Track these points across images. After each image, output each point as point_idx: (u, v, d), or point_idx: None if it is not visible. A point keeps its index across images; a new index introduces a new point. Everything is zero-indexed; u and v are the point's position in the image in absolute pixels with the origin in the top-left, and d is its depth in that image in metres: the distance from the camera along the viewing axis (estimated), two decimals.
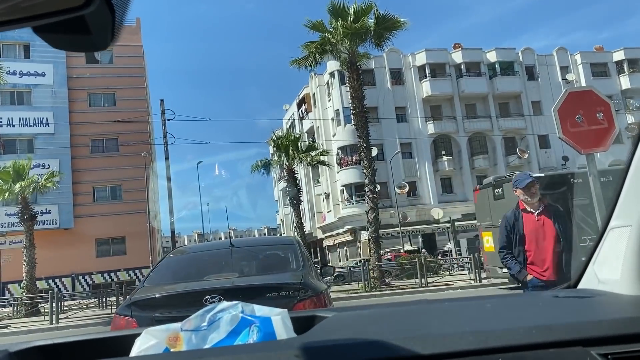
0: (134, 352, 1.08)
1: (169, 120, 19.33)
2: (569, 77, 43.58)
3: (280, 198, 55.85)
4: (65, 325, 13.77)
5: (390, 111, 39.60)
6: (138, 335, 1.12)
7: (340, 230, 40.47)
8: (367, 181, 17.12)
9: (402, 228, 34.48)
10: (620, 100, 43.76)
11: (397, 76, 41.10)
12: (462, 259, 23.84)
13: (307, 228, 47.37)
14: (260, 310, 1.14)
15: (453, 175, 40.86)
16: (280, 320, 1.10)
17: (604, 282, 1.33)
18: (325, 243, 44.74)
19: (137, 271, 34.62)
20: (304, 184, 46.37)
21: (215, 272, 4.41)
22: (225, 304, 1.16)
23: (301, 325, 1.16)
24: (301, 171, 44.97)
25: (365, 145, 17.13)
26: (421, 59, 41.02)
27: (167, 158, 21.21)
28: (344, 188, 39.73)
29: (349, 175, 38.99)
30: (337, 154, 39.77)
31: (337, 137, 39.78)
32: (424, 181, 40.00)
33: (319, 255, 47.24)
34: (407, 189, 38.12)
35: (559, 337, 0.93)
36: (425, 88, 40.89)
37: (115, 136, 35.71)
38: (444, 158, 40.43)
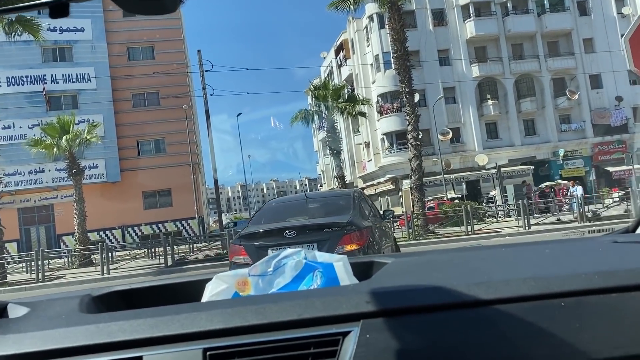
0: (205, 297, 1.13)
1: (206, 71, 19.13)
2: (625, 10, 40.61)
3: (320, 148, 55.64)
4: (116, 276, 14.22)
5: (432, 54, 38.12)
6: (209, 280, 1.17)
7: (382, 179, 40.14)
8: (409, 128, 16.55)
9: (445, 175, 33.85)
10: None
11: (440, 17, 39.29)
12: (509, 206, 23.22)
13: (348, 178, 47.38)
14: (322, 256, 1.17)
15: (498, 120, 39.47)
16: (342, 266, 1.13)
17: None
18: (367, 192, 44.59)
19: (183, 222, 35.52)
20: (343, 134, 45.91)
21: (293, 216, 6.35)
22: (289, 251, 1.19)
23: (361, 270, 1.21)
24: (340, 120, 44.47)
25: (407, 90, 16.46)
26: None
27: (207, 110, 21.15)
28: (385, 136, 39.07)
29: (390, 123, 38.22)
30: (377, 102, 38.90)
31: (376, 83, 38.77)
32: (468, 127, 38.82)
33: None
34: (450, 135, 37.16)
35: (621, 282, 0.92)
36: (469, 28, 39.02)
37: (156, 90, 35.86)
38: (489, 102, 38.96)
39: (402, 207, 37.95)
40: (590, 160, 39.32)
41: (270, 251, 5.58)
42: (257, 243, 5.79)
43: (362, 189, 45.51)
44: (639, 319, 0.88)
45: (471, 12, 38.91)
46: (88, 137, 20.99)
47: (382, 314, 0.89)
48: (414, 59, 38.22)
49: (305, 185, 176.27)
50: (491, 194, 33.91)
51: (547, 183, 32.24)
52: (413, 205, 35.12)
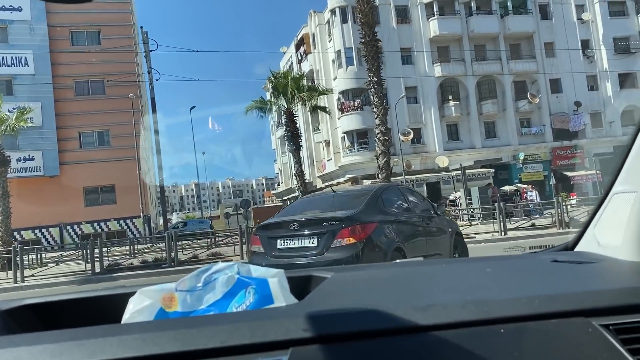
0: (127, 313, 1.04)
1: (151, 51, 17.12)
2: (585, 16, 40.87)
3: (278, 146, 53.90)
4: (31, 285, 11.97)
5: (395, 52, 37.07)
6: (132, 294, 1.08)
7: (341, 180, 38.78)
8: (377, 121, 15.14)
9: (406, 177, 32.82)
10: (638, 42, 41.25)
11: (403, 14, 38.32)
12: (473, 210, 22.23)
13: (307, 177, 45.83)
14: (257, 271, 1.10)
15: (460, 122, 38.83)
16: (277, 282, 1.06)
17: (604, 246, 1.32)
18: None
19: (128, 221, 33.06)
20: (303, 131, 44.39)
21: (309, 210, 6.56)
22: (221, 265, 1.12)
23: (298, 286, 1.14)
24: (300, 117, 42.94)
25: (375, 79, 15.03)
26: None
27: (152, 98, 19.12)
28: (345, 135, 37.75)
29: (351, 121, 36.93)
30: (338, 99, 37.54)
31: (338, 80, 37.40)
32: (429, 127, 37.98)
33: None
34: (411, 135, 36.19)
35: (561, 307, 0.92)
36: (433, 27, 38.21)
37: (101, 77, 33.29)
38: (451, 103, 38.25)
39: None
40: (549, 165, 39.22)
41: (278, 242, 6.16)
42: (268, 234, 6.23)
43: (321, 189, 44.10)
44: (579, 345, 0.86)
45: (435, 10, 38.12)
46: (16, 123, 18.57)
47: (314, 340, 0.84)
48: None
49: (262, 184, 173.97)
50: (452, 197, 33.14)
51: (508, 187, 31.70)
52: None
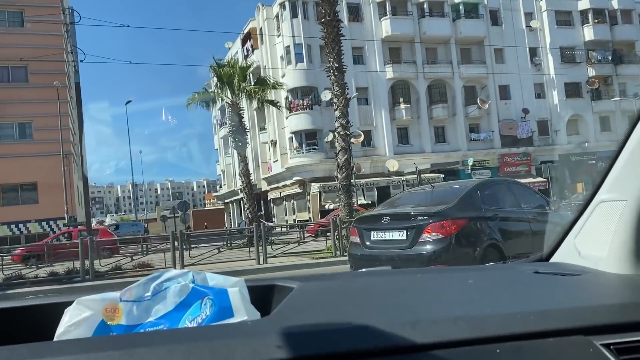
0: (61, 327, 0.93)
1: (72, 23, 14.66)
2: (533, 24, 41.13)
3: (220, 146, 51.37)
4: None
5: (346, 51, 35.58)
6: (69, 304, 0.96)
7: (288, 182, 36.97)
8: (337, 114, 13.45)
9: (355, 180, 31.40)
10: (583, 52, 41.94)
11: (355, 12, 37.06)
12: None
13: (252, 179, 43.71)
14: (214, 279, 0.99)
15: (410, 125, 37.94)
16: (237, 292, 0.95)
17: (586, 258, 1.26)
18: (271, 195, 41.18)
19: (51, 222, 29.81)
20: (248, 132, 42.29)
21: (405, 204, 7.00)
22: (173, 272, 1.01)
23: (259, 296, 1.06)
24: (246, 115, 40.78)
25: (335, 66, 13.37)
26: None
27: (77, 83, 16.59)
28: (293, 135, 35.99)
29: (300, 120, 35.20)
30: (287, 97, 35.73)
31: (286, 77, 35.60)
32: (379, 130, 36.85)
33: (262, 209, 43.69)
34: (361, 138, 34.82)
35: (559, 324, 0.86)
36: (385, 27, 37.17)
37: (24, 64, 29.90)
38: (402, 106, 37.31)
39: (309, 212, 35.17)
40: (497, 171, 38.99)
41: (372, 234, 6.45)
42: (364, 226, 6.62)
43: (266, 192, 42.16)
44: None
45: (387, 10, 37.10)
46: None
47: None
48: (325, 54, 35.76)
49: (204, 187, 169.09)
50: None
51: None
52: (321, 211, 32.14)
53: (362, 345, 0.78)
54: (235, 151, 25.96)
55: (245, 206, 21.14)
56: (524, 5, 41.32)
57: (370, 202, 32.15)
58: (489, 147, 39.35)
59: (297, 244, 14.71)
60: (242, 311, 0.93)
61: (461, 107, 38.88)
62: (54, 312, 0.98)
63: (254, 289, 1.04)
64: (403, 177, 34.12)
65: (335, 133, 13.52)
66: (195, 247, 15.58)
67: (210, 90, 21.67)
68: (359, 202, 30.71)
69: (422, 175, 33.69)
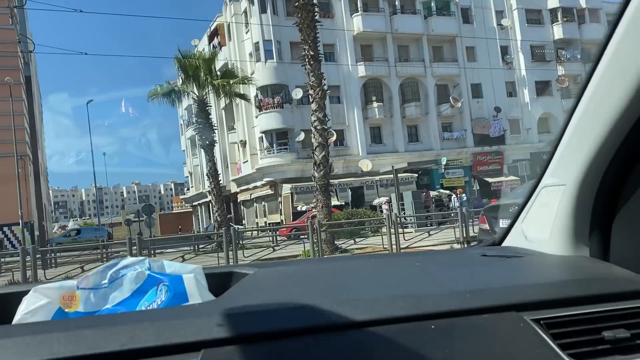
0: (19, 314, 0.95)
1: (15, 7, 13.20)
2: (504, 22, 40.97)
3: (188, 148, 49.70)
4: None
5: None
6: (26, 293, 0.98)
7: (258, 183, 35.73)
8: (314, 106, 12.41)
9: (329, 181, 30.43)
10: (552, 50, 42.01)
11: (326, 7, 36.08)
12: (404, 216, 20.08)
13: (221, 180, 42.31)
14: (171, 267, 1.03)
15: (383, 124, 37.20)
16: (192, 279, 0.98)
17: (531, 241, 1.32)
18: (240, 197, 39.85)
19: (5, 228, 27.85)
20: (216, 130, 40.88)
21: None
22: (130, 259, 1.04)
23: (218, 283, 1.09)
24: (214, 114, 39.38)
25: (311, 54, 12.32)
26: None
27: (28, 77, 15.06)
28: (264, 135, 34.78)
29: (270, 120, 34.03)
30: (256, 96, 34.51)
31: (256, 75, 34.32)
32: (352, 129, 35.97)
33: (232, 211, 42.32)
34: (334, 137, 33.86)
35: (492, 301, 0.91)
36: (357, 23, 36.35)
37: None
38: (375, 104, 36.53)
39: (281, 214, 34.02)
40: (470, 170, 38.65)
41: (500, 222, 6.74)
42: (493, 214, 6.96)
43: (236, 194, 40.80)
44: (510, 340, 0.86)
45: (359, 6, 36.29)
46: None
47: (229, 341, 0.78)
48: (297, 52, 34.71)
49: (171, 189, 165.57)
50: (376, 202, 31.28)
51: (443, 190, 30.39)
52: (293, 213, 31.01)
53: (300, 323, 0.81)
54: (203, 152, 24.64)
55: (214, 209, 19.90)
56: (495, 4, 41.12)
57: (343, 203, 31.24)
58: (462, 146, 38.95)
59: (271, 249, 13.61)
60: (197, 296, 0.95)
61: (434, 106, 38.37)
62: (12, 301, 0.99)
63: (212, 276, 1.08)
64: (377, 177, 33.32)
65: (312, 128, 12.49)
66: (161, 252, 14.36)
67: (177, 85, 20.29)
68: (332, 204, 29.77)
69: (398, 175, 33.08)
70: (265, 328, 0.80)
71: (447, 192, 31.57)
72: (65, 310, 0.95)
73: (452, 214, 17.94)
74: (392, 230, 12.03)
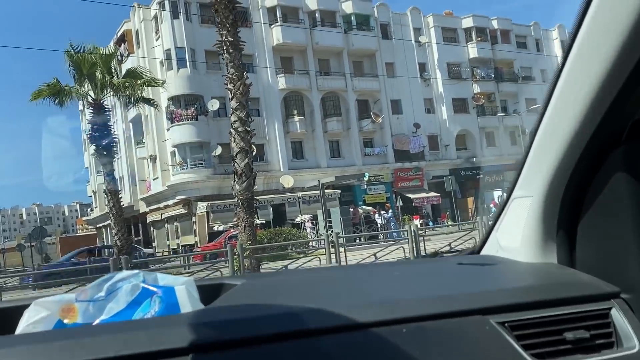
0: (21, 326, 0.99)
1: None
2: (422, 39, 41.30)
3: (92, 165, 45.56)
4: None
5: None
6: (27, 307, 1.03)
7: (170, 202, 32.84)
8: (234, 104, 10.43)
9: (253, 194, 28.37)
10: (468, 69, 42.89)
11: (244, 16, 34.26)
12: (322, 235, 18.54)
13: (127, 200, 38.74)
14: (164, 279, 1.07)
15: (305, 139, 35.78)
16: (184, 290, 1.03)
17: (505, 249, 1.38)
18: (150, 218, 36.59)
19: None
20: (122, 144, 37.58)
21: None
22: (125, 273, 1.09)
23: (208, 294, 1.12)
24: (119, 126, 36.17)
25: (230, 40, 10.41)
26: None
27: None
28: (176, 149, 32.10)
29: (184, 132, 31.45)
30: (168, 106, 31.88)
31: (168, 85, 31.71)
32: (273, 144, 34.20)
33: (140, 233, 38.87)
34: (254, 152, 31.89)
35: (461, 306, 0.97)
36: (276, 34, 34.87)
37: None
38: (296, 118, 35.06)
39: (196, 235, 31.36)
40: (391, 187, 38.11)
41: None
42: None
43: (145, 214, 37.48)
44: (476, 342, 0.92)
45: (278, 16, 34.88)
46: None
47: (217, 346, 0.84)
48: (213, 61, 32.60)
49: (77, 210, 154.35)
50: (298, 219, 29.64)
51: (371, 207, 29.27)
52: (208, 234, 28.50)
53: (277, 329, 0.87)
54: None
55: (114, 231, 17.22)
56: (413, 21, 41.39)
57: (264, 221, 29.29)
58: (383, 161, 38.37)
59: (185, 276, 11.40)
60: (189, 307, 1.00)
61: (355, 121, 37.58)
62: (13, 315, 1.03)
63: (203, 288, 1.11)
64: (300, 194, 31.70)
65: (232, 130, 10.53)
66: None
67: (71, 87, 17.51)
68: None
69: (317, 192, 31.61)
70: (250, 333, 0.86)
71: (370, 208, 30.61)
72: (64, 321, 0.99)
73: (403, 233, 16.68)
74: (333, 250, 10.33)
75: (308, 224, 27.46)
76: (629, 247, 1.06)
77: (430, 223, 32.81)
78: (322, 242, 10.57)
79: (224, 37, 10.63)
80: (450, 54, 42.18)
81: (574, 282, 1.12)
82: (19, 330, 0.98)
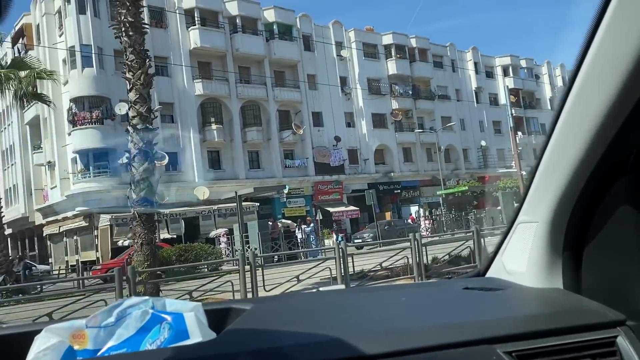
0: (31, 354, 0.99)
1: None
2: (343, 53, 41.14)
3: None
4: None
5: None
6: (38, 332, 1.03)
7: (70, 214, 29.81)
8: (132, 95, 8.82)
9: (158, 210, 26.28)
10: (387, 85, 43.27)
11: (158, 16, 32.25)
12: (249, 249, 17.15)
13: (21, 210, 35.02)
14: (172, 304, 1.08)
15: (222, 149, 34.10)
16: (193, 317, 1.04)
17: (511, 273, 1.39)
18: (47, 231, 33.10)
19: None
20: (17, 149, 34.02)
21: None
22: (134, 299, 1.10)
23: (216, 319, 1.13)
24: (15, 129, 32.66)
25: (130, 20, 8.81)
26: (190, 0, 33.03)
27: None
28: (78, 155, 29.28)
29: (87, 137, 28.74)
30: (70, 109, 29.08)
31: (70, 85, 28.96)
32: (187, 153, 32.20)
33: (36, 248, 35.16)
34: (166, 160, 29.74)
35: (468, 336, 0.98)
36: (194, 37, 33.10)
37: None
38: (213, 127, 33.32)
39: (98, 251, 28.58)
40: (311, 200, 37.27)
41: None
42: None
43: (41, 226, 33.94)
44: None
45: (196, 19, 33.15)
46: None
47: None
48: (121, 59, 30.16)
49: None
50: (213, 234, 27.91)
51: (290, 221, 28.04)
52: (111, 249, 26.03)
53: None
54: None
55: None
56: (335, 35, 41.16)
57: (175, 236, 27.24)
58: (304, 174, 37.47)
59: (75, 299, 9.53)
60: (197, 333, 1.01)
61: (276, 132, 36.46)
62: (24, 341, 1.03)
63: (211, 313, 1.11)
64: (215, 207, 29.93)
65: (129, 127, 8.94)
66: None
67: None
68: (162, 237, 25.67)
69: (234, 204, 30.00)
70: None
71: (290, 222, 29.51)
72: (75, 347, 1.00)
73: (324, 252, 15.57)
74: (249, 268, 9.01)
75: (223, 239, 25.84)
76: (634, 275, 1.08)
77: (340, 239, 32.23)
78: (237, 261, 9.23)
79: (122, 17, 9.10)
80: (370, 69, 42.37)
81: (580, 309, 1.12)
82: (30, 357, 0.97)
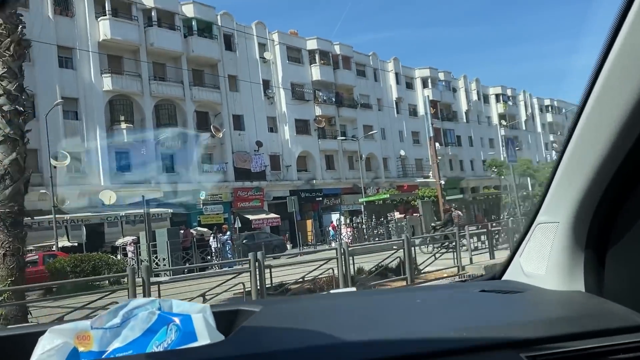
0: (34, 356, 0.98)
1: None
2: (267, 55, 39.91)
3: None
4: None
5: (49, 50, 27.63)
6: (43, 333, 1.02)
7: None
8: None
9: (57, 216, 23.64)
10: (311, 91, 42.51)
11: (64, 3, 29.40)
12: (158, 260, 15.36)
13: None
14: (180, 306, 1.06)
15: (133, 150, 31.57)
16: (201, 318, 1.01)
17: (529, 276, 1.36)
18: None
19: None
20: None
21: None
22: (141, 300, 1.08)
23: (225, 320, 1.12)
24: None
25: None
26: None
27: None
28: None
29: None
30: None
31: None
32: (92, 153, 29.45)
33: None
34: (67, 160, 27.06)
35: (490, 340, 0.96)
36: (103, 29, 30.49)
37: None
38: (123, 125, 30.79)
39: None
40: (230, 207, 35.53)
41: None
42: None
43: None
44: None
45: (107, 9, 30.58)
46: None
47: None
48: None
49: None
50: (120, 242, 25.55)
51: (199, 228, 26.14)
52: None
53: None
54: None
55: None
56: (258, 35, 39.85)
57: (76, 244, 24.62)
58: (223, 179, 35.67)
59: None
60: (205, 335, 0.98)
61: (193, 134, 34.43)
62: (28, 342, 1.02)
63: (219, 314, 1.09)
64: (123, 213, 27.48)
65: None
66: None
67: None
68: (61, 245, 23.05)
69: (152, 210, 27.70)
70: None
71: (206, 229, 27.71)
72: (80, 349, 0.98)
73: (241, 264, 14.09)
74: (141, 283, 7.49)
75: (130, 247, 23.62)
76: None
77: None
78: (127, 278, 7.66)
79: None
80: (294, 74, 41.43)
81: (604, 312, 1.09)
82: (34, 359, 0.95)
